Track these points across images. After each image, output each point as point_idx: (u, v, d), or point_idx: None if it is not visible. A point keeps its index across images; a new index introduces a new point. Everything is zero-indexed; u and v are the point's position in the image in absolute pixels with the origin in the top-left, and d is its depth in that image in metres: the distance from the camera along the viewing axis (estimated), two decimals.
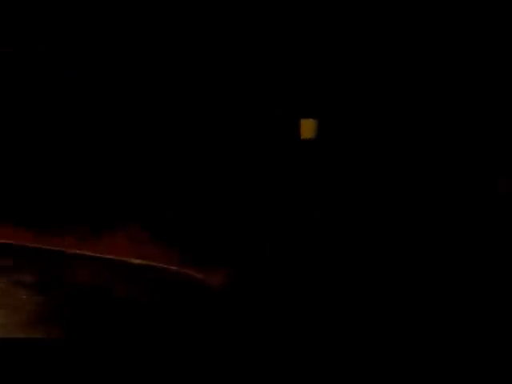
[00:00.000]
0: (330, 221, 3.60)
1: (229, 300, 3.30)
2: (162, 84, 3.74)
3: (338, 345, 3.14)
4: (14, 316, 3.08)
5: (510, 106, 3.59)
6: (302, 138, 3.66)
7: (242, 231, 3.63)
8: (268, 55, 3.70)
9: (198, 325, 3.12)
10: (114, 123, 3.77)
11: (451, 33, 3.61)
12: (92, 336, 3.02)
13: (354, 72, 3.68)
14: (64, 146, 3.77)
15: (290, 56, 3.70)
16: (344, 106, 3.68)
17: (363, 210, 3.61)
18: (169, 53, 3.72)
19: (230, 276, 3.43)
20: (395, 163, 3.64)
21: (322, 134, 3.67)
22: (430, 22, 3.61)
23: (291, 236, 3.61)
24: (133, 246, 3.61)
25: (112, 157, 3.76)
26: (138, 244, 3.62)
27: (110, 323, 3.11)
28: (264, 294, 3.37)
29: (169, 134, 3.75)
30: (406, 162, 3.64)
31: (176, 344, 3.00)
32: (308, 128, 3.66)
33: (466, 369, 3.06)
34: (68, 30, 3.74)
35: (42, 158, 3.78)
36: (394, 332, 3.22)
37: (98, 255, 3.59)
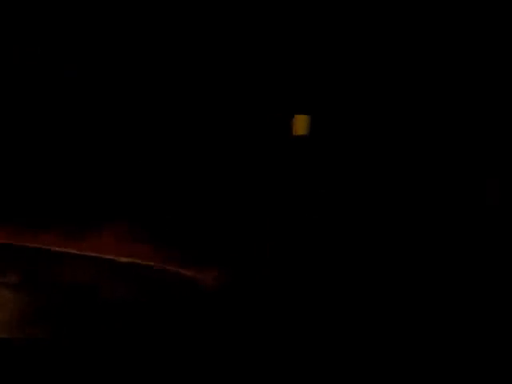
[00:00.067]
0: (326, 218, 3.59)
1: (224, 300, 3.28)
2: (158, 82, 3.73)
3: (338, 345, 3.14)
4: None
5: (499, 106, 3.60)
6: (294, 134, 3.65)
7: (234, 229, 3.62)
8: (260, 51, 3.69)
9: (188, 324, 3.10)
10: (106, 123, 3.75)
11: (447, 31, 3.61)
12: (78, 335, 3.00)
13: (347, 68, 3.68)
14: (52, 143, 3.75)
15: (282, 52, 3.69)
16: (337, 102, 3.67)
17: (358, 207, 3.60)
18: (167, 53, 3.72)
19: (224, 275, 3.41)
20: (389, 160, 3.63)
21: (314, 130, 3.65)
22: (422, 17, 3.62)
23: (288, 233, 3.59)
24: (120, 245, 3.58)
25: (101, 154, 3.74)
26: (125, 242, 3.59)
27: (97, 322, 3.09)
28: (264, 294, 3.35)
29: (159, 132, 3.74)
30: (400, 158, 3.63)
31: (165, 344, 3.00)
32: (301, 124, 3.65)
33: (466, 369, 3.08)
34: (68, 30, 3.73)
35: (28, 155, 3.74)
36: (393, 332, 3.22)
37: (84, 253, 3.55)
